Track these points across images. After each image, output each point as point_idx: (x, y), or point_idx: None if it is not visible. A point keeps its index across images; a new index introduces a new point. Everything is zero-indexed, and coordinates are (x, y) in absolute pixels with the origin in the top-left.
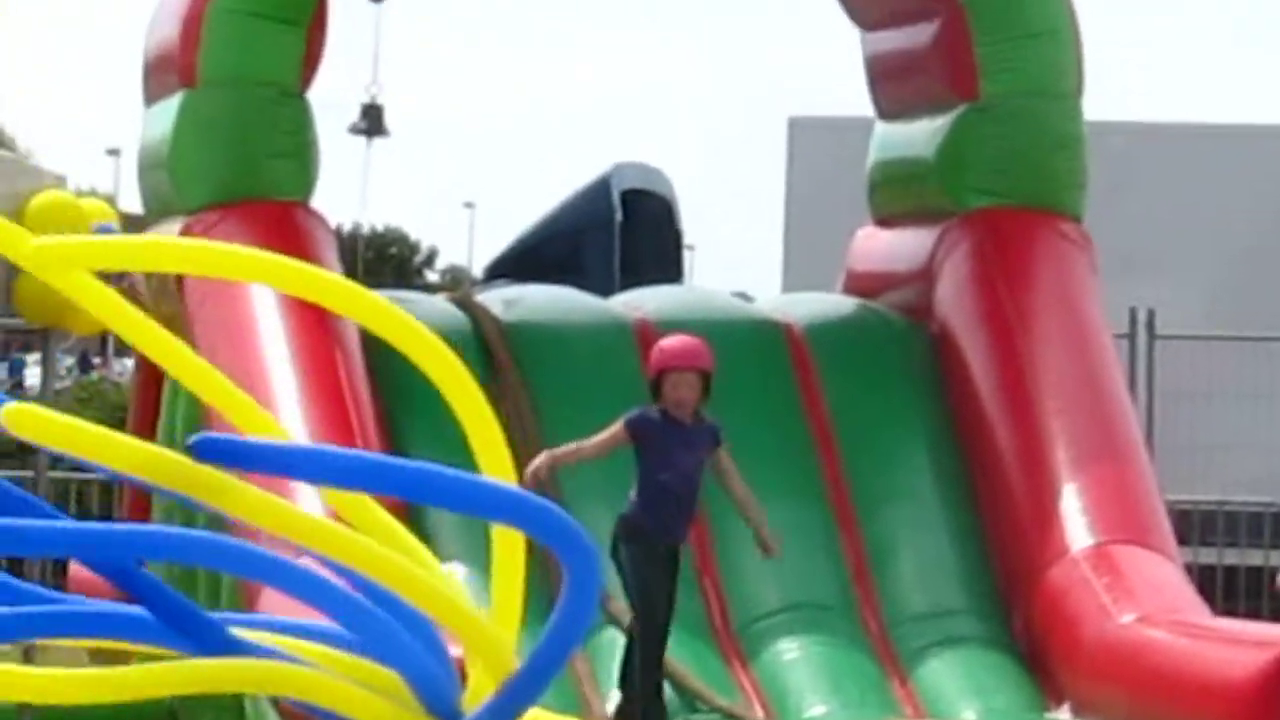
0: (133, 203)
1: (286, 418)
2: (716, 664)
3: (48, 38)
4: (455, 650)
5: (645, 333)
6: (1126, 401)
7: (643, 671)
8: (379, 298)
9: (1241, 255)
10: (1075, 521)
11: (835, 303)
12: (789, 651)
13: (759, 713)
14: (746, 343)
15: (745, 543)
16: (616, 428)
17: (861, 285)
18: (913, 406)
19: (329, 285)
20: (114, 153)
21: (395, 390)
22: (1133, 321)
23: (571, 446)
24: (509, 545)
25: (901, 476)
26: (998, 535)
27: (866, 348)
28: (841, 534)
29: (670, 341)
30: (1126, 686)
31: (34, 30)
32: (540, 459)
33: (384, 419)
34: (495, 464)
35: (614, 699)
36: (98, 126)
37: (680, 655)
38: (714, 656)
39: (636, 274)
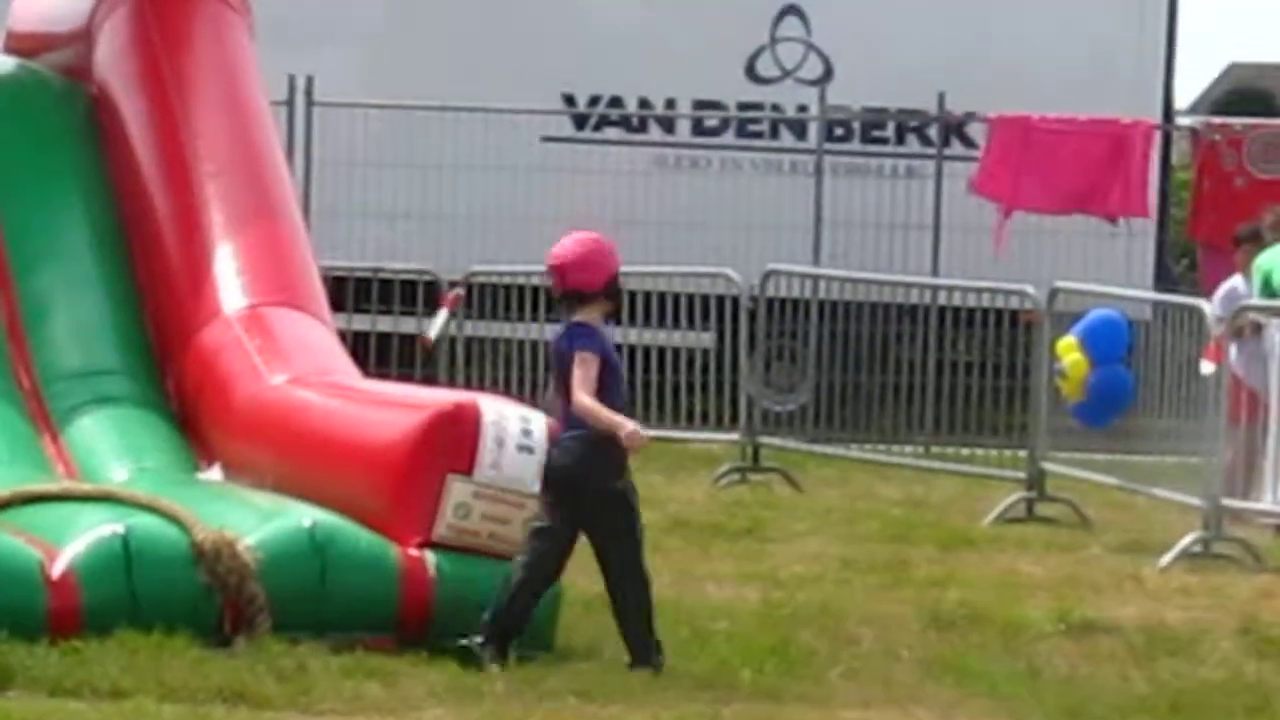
0: None
1: None
2: None
3: None
4: None
5: None
6: (282, 166)
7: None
8: None
9: (398, 24)
10: (228, 283)
11: None
12: None
13: None
14: None
15: None
16: (597, 365)
17: (21, 46)
18: (71, 167)
19: None
20: None
21: None
22: (291, 89)
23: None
24: None
25: (59, 236)
26: (154, 296)
27: (24, 107)
28: None
29: (606, 240)
30: (277, 448)
31: None
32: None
33: None
34: None
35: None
36: None
37: None
38: None
39: None
